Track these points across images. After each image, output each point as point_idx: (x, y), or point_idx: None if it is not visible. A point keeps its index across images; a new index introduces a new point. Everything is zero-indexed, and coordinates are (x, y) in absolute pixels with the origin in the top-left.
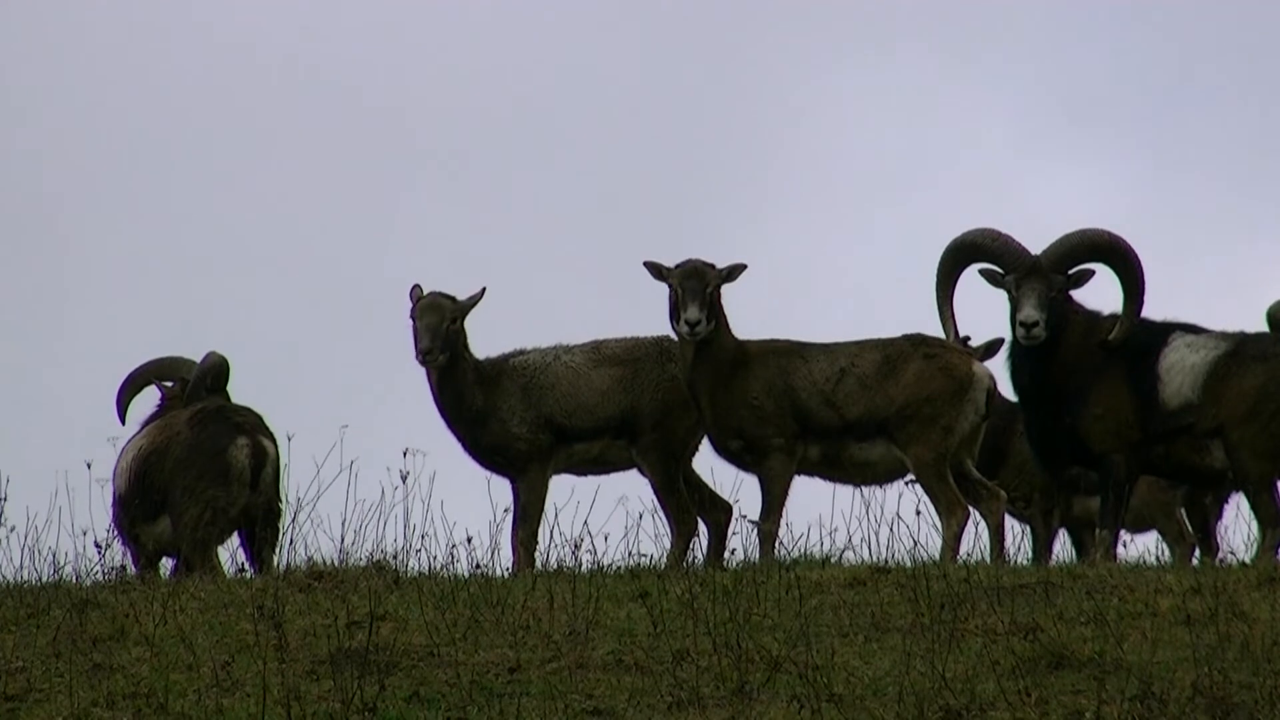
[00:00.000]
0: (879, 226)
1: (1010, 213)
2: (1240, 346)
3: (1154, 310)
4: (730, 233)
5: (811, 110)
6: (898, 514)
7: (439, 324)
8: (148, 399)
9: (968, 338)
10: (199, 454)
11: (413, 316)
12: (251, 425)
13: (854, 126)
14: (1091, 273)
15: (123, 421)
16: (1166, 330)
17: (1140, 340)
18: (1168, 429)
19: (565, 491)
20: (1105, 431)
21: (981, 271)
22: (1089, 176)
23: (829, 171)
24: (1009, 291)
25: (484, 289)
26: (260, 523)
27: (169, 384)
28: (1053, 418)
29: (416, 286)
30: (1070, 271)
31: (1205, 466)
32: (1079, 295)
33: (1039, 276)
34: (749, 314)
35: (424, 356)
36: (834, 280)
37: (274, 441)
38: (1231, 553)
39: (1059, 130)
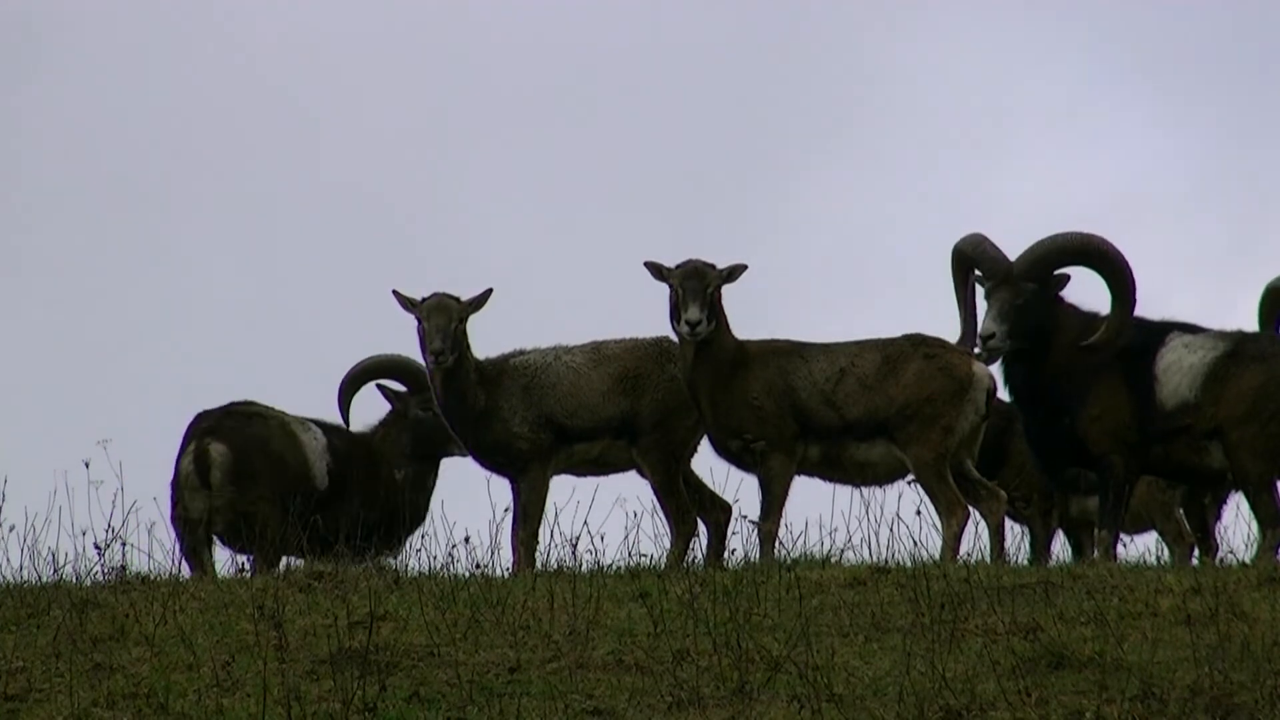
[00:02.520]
0: (945, 181)
1: (1078, 168)
2: (1239, 346)
3: (1217, 282)
4: (768, 210)
5: (854, 78)
6: (898, 514)
7: (448, 324)
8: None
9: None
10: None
11: (419, 317)
12: (204, 429)
13: (925, 81)
14: (1067, 277)
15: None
16: (1164, 330)
17: (1137, 341)
18: (1166, 430)
19: (565, 491)
20: (1103, 433)
21: (974, 279)
22: (1161, 134)
23: (887, 128)
24: (986, 300)
25: (490, 290)
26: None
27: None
28: (1050, 420)
29: (395, 292)
30: (1051, 274)
31: (1204, 467)
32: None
33: (1007, 286)
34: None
35: (435, 358)
36: (893, 243)
37: (230, 440)
38: (1231, 552)
39: (1132, 89)
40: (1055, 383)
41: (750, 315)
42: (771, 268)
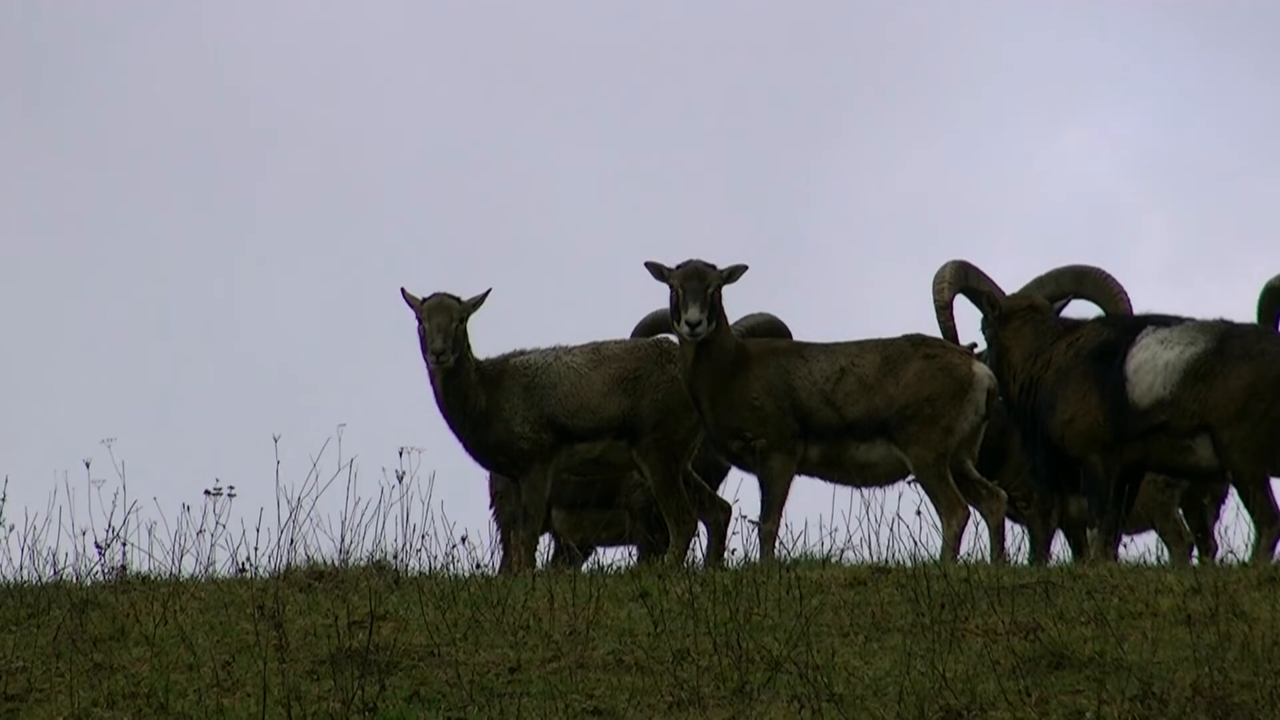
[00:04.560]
0: (1003, 148)
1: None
2: (1223, 343)
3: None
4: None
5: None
6: (898, 514)
7: (449, 324)
8: None
9: (974, 344)
10: None
11: (420, 317)
12: None
13: (986, 46)
14: (988, 300)
15: None
16: (1137, 327)
17: (1109, 340)
18: (1141, 428)
19: None
20: (1076, 435)
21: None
22: (1220, 99)
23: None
24: None
25: (489, 289)
26: None
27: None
28: (1031, 429)
29: (403, 290)
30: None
31: (1189, 465)
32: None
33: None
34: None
35: (437, 357)
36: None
37: None
38: (1231, 552)
39: (1190, 55)
40: (1026, 394)
41: (811, 288)
42: (829, 234)
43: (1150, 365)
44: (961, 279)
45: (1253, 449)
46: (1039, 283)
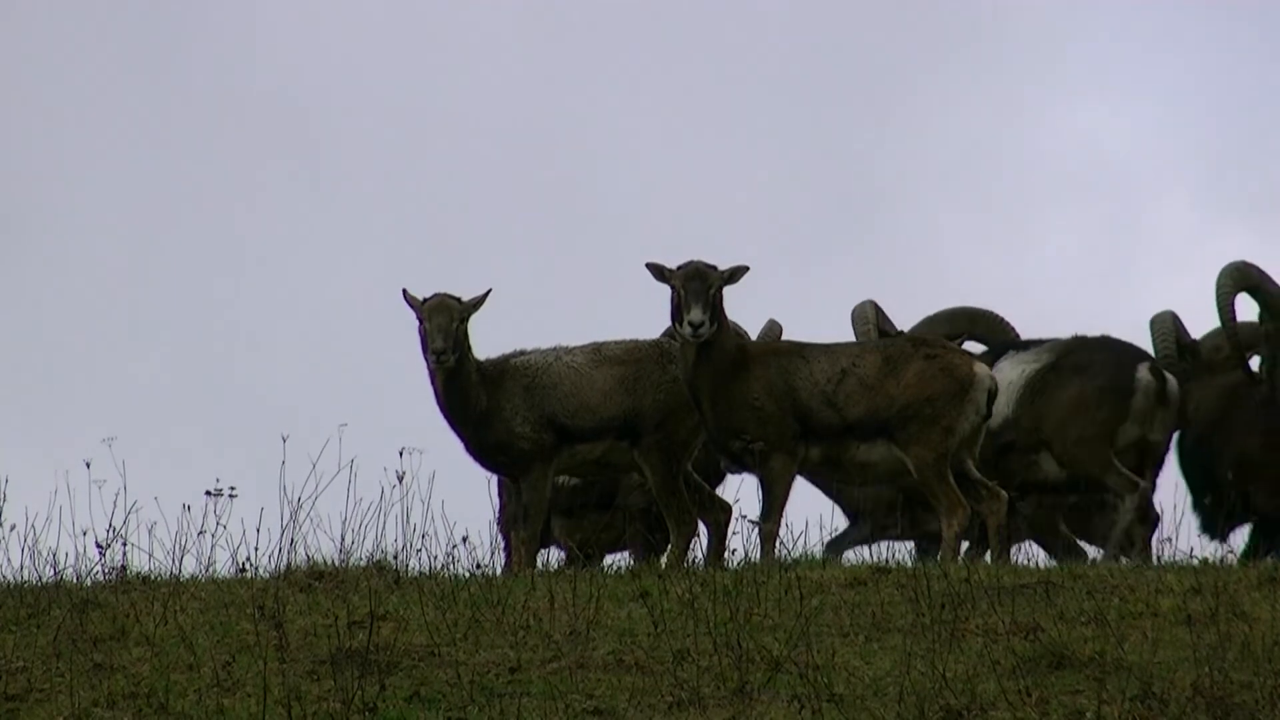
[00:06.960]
0: (1072, 123)
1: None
2: (1061, 358)
3: None
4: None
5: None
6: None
7: (449, 324)
8: None
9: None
10: None
11: (421, 317)
12: None
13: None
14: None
15: None
16: (1000, 353)
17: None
18: (995, 447)
19: None
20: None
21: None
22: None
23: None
24: None
25: (489, 290)
26: None
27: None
28: None
29: (405, 291)
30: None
31: (1040, 480)
32: None
33: None
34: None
35: (437, 357)
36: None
37: None
38: (1231, 552)
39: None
40: None
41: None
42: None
43: (1000, 386)
44: (872, 318)
45: (1087, 459)
46: (929, 322)
